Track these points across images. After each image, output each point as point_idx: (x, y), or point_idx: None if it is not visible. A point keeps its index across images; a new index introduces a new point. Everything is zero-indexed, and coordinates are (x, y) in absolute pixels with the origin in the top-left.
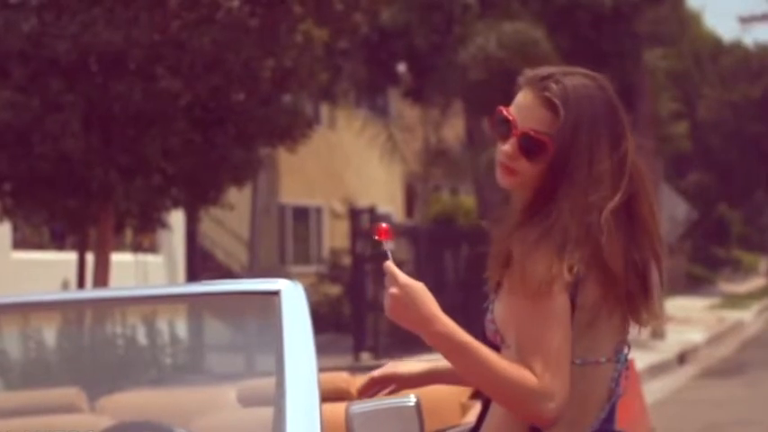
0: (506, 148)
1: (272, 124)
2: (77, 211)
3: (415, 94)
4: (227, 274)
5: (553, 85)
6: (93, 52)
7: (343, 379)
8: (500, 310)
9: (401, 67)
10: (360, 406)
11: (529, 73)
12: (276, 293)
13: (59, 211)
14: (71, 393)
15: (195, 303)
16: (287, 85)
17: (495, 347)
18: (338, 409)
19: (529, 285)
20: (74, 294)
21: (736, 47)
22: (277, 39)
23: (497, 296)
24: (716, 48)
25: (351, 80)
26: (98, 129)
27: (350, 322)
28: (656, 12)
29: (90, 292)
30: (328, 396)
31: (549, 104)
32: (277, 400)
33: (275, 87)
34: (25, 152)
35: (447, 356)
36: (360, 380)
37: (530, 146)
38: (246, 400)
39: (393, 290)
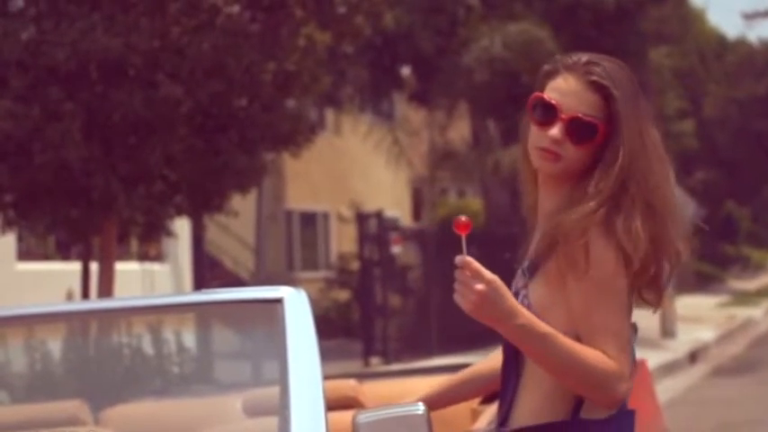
0: (554, 132)
1: (274, 130)
2: (80, 221)
3: (420, 98)
4: (236, 281)
5: (597, 69)
6: (93, 59)
7: (350, 387)
8: (539, 295)
9: (405, 71)
10: (366, 415)
11: (565, 59)
12: (279, 301)
13: (61, 221)
14: (74, 406)
15: (198, 313)
16: (289, 90)
17: None
18: (345, 417)
19: (600, 268)
20: (71, 306)
21: (741, 44)
22: (278, 43)
23: (532, 280)
24: (720, 45)
25: (355, 85)
26: (99, 137)
27: (359, 327)
28: (660, 10)
29: (88, 303)
30: (335, 404)
31: (597, 88)
32: (281, 409)
33: (277, 92)
34: (26, 162)
35: (528, 347)
36: (367, 387)
37: (579, 130)
38: (251, 410)
39: (480, 286)
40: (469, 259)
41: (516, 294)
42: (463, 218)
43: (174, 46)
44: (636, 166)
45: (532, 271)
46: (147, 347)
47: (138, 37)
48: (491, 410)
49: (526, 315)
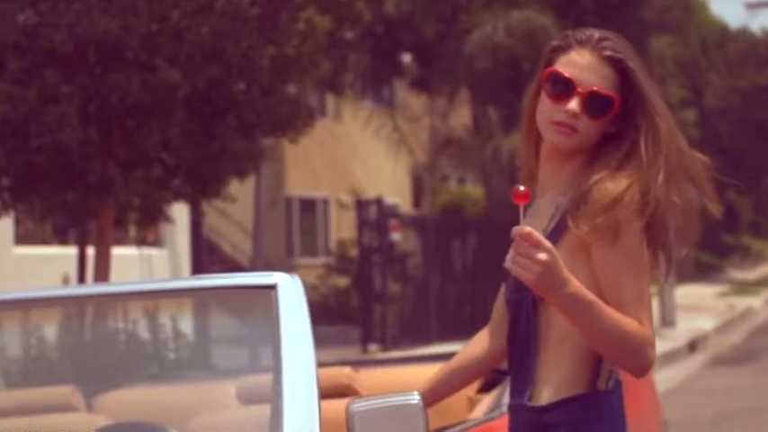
0: (573, 106)
1: (273, 115)
2: (76, 205)
3: (421, 84)
4: (235, 267)
5: (610, 44)
6: (90, 42)
7: (345, 374)
8: (567, 266)
9: (406, 58)
10: (360, 404)
11: (578, 34)
12: (273, 287)
13: (58, 204)
14: (66, 392)
15: (191, 298)
16: (288, 74)
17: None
18: (340, 405)
19: (630, 237)
20: (61, 290)
21: (743, 33)
22: (278, 27)
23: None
24: (723, 34)
25: (356, 71)
26: (96, 120)
27: (358, 314)
28: None
29: (78, 288)
30: (330, 392)
31: (612, 62)
32: (274, 397)
33: (276, 76)
34: (22, 145)
35: (575, 316)
36: (363, 375)
37: (597, 103)
38: (246, 397)
39: (543, 256)
40: (530, 230)
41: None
42: (521, 187)
43: (173, 29)
44: (666, 134)
45: (552, 242)
46: (140, 333)
47: (136, 20)
48: (488, 399)
49: (576, 283)
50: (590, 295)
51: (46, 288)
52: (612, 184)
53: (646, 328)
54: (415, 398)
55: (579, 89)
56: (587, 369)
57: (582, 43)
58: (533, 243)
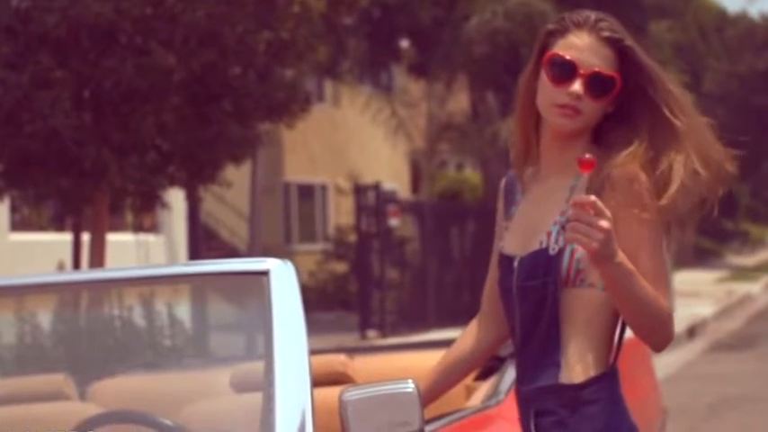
0: (576, 88)
1: (269, 99)
2: (70, 191)
3: (419, 69)
4: (232, 253)
5: (607, 24)
6: (83, 26)
7: (340, 362)
8: None
9: (404, 43)
10: (353, 392)
11: (574, 17)
12: (265, 273)
13: (52, 190)
14: (58, 380)
15: (182, 285)
16: (284, 59)
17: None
18: (335, 394)
19: (653, 212)
20: (48, 277)
21: (742, 18)
22: (274, 11)
23: None
24: (721, 19)
25: (354, 56)
26: (90, 105)
27: (356, 300)
28: None
29: (65, 275)
30: (325, 380)
31: (610, 42)
32: (265, 385)
33: (272, 60)
34: (15, 131)
35: (620, 285)
36: (359, 362)
37: (599, 84)
38: (239, 385)
39: (605, 223)
40: (594, 198)
41: (558, 252)
42: (587, 155)
43: (168, 13)
44: (676, 104)
45: None
46: (132, 320)
47: (130, 3)
48: (485, 386)
49: (621, 253)
50: (630, 265)
51: (34, 274)
52: (639, 158)
53: (670, 304)
54: (410, 386)
55: (581, 71)
56: (609, 348)
57: (579, 25)
58: (597, 211)
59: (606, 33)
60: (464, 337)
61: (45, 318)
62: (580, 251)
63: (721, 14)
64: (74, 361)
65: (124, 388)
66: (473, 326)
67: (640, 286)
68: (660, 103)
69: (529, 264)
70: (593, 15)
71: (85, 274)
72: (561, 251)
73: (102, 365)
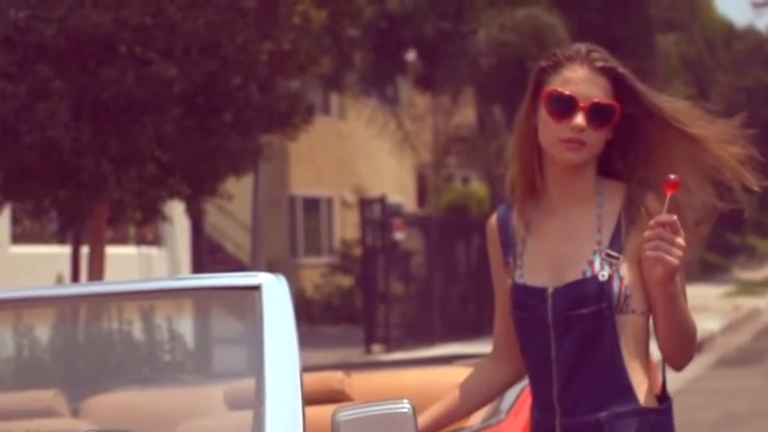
0: (579, 121)
1: (270, 111)
2: (69, 203)
3: (426, 82)
4: (238, 266)
5: (599, 55)
6: (82, 36)
7: (337, 379)
8: (629, 275)
9: (411, 55)
10: (347, 412)
11: (565, 51)
12: (257, 288)
13: (50, 203)
14: (49, 396)
15: (172, 299)
16: (286, 70)
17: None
18: (331, 412)
19: (688, 233)
20: (39, 291)
21: (749, 32)
22: (275, 21)
23: (623, 260)
24: (729, 33)
25: (360, 69)
26: (88, 116)
27: (362, 314)
28: None
29: (50, 289)
30: (321, 398)
31: (605, 72)
32: (256, 404)
33: (273, 71)
34: (12, 142)
35: (674, 302)
36: (358, 379)
37: (600, 114)
38: (233, 403)
39: (682, 240)
40: (674, 217)
41: (608, 279)
42: (672, 176)
43: (167, 22)
44: (684, 116)
45: (618, 250)
46: (124, 335)
47: (128, 12)
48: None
49: None
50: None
51: (21, 288)
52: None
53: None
54: (406, 406)
55: (581, 104)
56: (653, 373)
57: (571, 59)
58: (675, 230)
59: (600, 63)
60: (478, 375)
61: (26, 330)
62: (628, 278)
63: (729, 28)
64: (66, 376)
65: (118, 404)
66: (486, 365)
67: (684, 305)
68: (668, 120)
69: (575, 292)
70: (583, 47)
71: (69, 288)
72: (610, 278)
73: (96, 381)
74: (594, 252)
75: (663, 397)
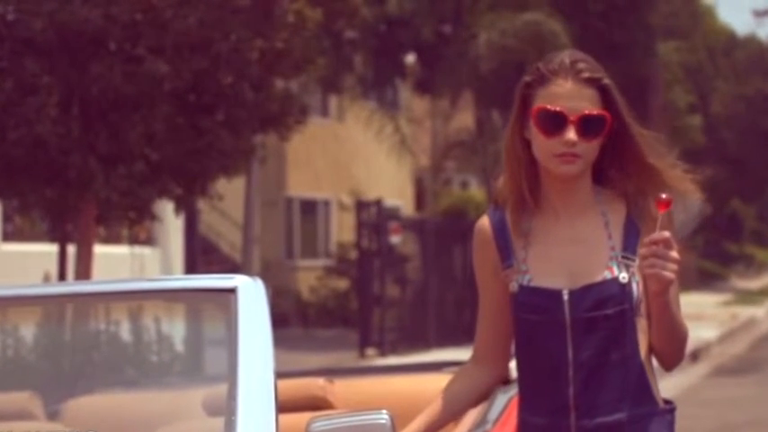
0: (570, 136)
1: (262, 110)
2: (55, 201)
3: (424, 86)
4: (233, 267)
5: (585, 65)
6: (71, 31)
7: (319, 386)
8: (641, 279)
9: (410, 59)
10: (322, 423)
11: (549, 65)
12: (233, 291)
13: (37, 200)
14: (24, 398)
15: (148, 301)
16: (279, 69)
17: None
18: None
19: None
20: (15, 290)
21: (750, 41)
22: (268, 19)
23: (635, 268)
24: (730, 41)
25: (358, 71)
26: (77, 113)
27: (357, 317)
28: (670, 4)
29: (26, 288)
30: (302, 405)
31: (591, 83)
32: (227, 411)
33: (266, 70)
34: None
35: (669, 309)
36: (341, 385)
37: (591, 125)
38: (211, 408)
39: (675, 254)
40: (668, 234)
41: (627, 283)
42: (664, 195)
43: (158, 19)
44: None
45: (631, 258)
46: (99, 337)
47: (118, 8)
48: (474, 413)
49: None
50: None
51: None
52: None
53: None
54: (384, 417)
55: (571, 118)
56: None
57: (556, 73)
58: (668, 246)
59: (586, 75)
60: (462, 381)
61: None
62: (641, 283)
63: (730, 36)
64: (44, 378)
65: (97, 407)
66: (471, 370)
67: (678, 310)
68: (635, 142)
69: (597, 293)
70: (566, 58)
71: (43, 288)
72: (629, 281)
73: (72, 383)
74: (611, 258)
75: (665, 399)
